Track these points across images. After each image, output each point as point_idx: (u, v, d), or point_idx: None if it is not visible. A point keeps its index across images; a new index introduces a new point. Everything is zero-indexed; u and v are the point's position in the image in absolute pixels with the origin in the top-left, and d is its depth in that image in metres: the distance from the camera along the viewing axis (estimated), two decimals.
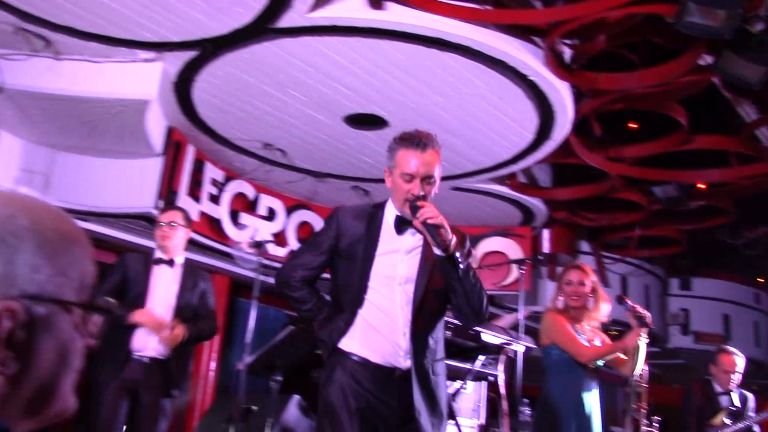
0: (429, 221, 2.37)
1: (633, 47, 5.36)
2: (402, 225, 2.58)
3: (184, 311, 4.38)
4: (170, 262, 4.42)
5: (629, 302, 4.15)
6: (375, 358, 2.47)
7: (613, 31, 4.79)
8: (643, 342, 3.95)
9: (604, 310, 4.20)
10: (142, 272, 4.34)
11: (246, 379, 7.41)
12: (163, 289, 4.35)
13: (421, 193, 2.48)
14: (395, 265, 2.55)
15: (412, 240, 2.59)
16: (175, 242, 4.43)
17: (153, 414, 4.21)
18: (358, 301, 2.51)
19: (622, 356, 4.19)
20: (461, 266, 2.44)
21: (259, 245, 4.58)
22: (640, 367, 4.05)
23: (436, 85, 5.28)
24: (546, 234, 8.83)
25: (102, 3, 4.44)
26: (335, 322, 2.56)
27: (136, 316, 4.14)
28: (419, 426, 2.41)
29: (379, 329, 2.49)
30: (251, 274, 4.77)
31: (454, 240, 2.42)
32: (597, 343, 4.16)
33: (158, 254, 4.43)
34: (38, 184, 6.04)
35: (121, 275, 4.32)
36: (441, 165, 2.64)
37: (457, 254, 2.43)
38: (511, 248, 8.44)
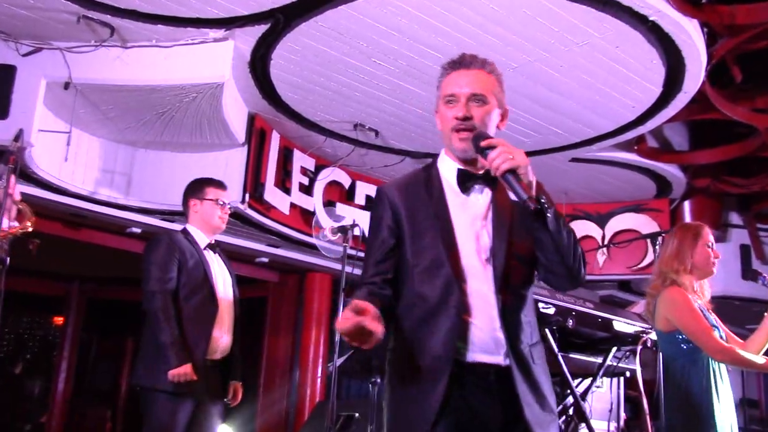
0: (505, 167, 2.05)
1: None
2: (467, 181, 2.26)
3: (237, 303, 4.24)
4: (215, 247, 4.24)
5: (765, 276, 3.76)
6: (479, 357, 2.17)
7: None
8: None
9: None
10: (194, 257, 4.05)
11: (348, 383, 7.38)
12: (222, 282, 4.17)
13: (467, 114, 2.19)
14: (477, 233, 2.23)
15: (483, 198, 2.28)
16: None
17: (214, 417, 4.09)
18: (449, 289, 2.16)
19: (735, 338, 3.79)
20: (549, 212, 2.12)
21: (344, 230, 4.41)
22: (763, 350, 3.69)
23: (539, 39, 4.95)
24: (687, 206, 8.24)
25: None
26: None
27: None
28: (529, 426, 2.12)
29: (477, 320, 2.17)
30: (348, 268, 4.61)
31: (535, 180, 2.10)
32: (713, 320, 3.74)
33: (201, 236, 4.20)
34: (119, 184, 6.16)
35: (173, 259, 3.98)
36: (502, 93, 2.31)
37: (542, 199, 2.11)
38: (647, 225, 7.94)
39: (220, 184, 4.36)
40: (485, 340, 2.16)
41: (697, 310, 3.62)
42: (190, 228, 4.23)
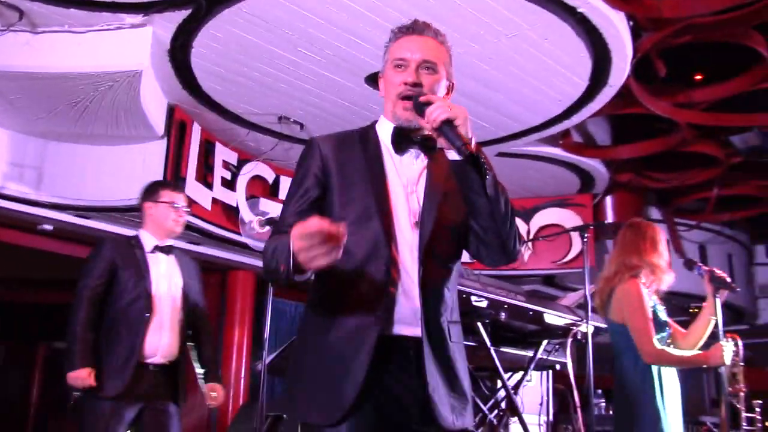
0: (441, 117, 1.94)
1: None
2: (402, 141, 2.16)
3: (188, 305, 4.09)
4: (168, 249, 4.09)
5: (701, 266, 3.76)
6: (399, 329, 2.04)
7: None
8: (718, 310, 3.62)
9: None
10: (135, 263, 3.95)
11: (273, 381, 7.20)
12: (167, 283, 4.02)
13: (417, 80, 2.09)
14: (407, 195, 2.13)
15: (417, 164, 2.18)
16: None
17: (162, 427, 3.92)
18: (377, 245, 2.03)
19: (680, 329, 3.84)
20: (488, 175, 2.01)
21: (272, 222, 4.25)
22: (702, 342, 3.72)
23: (468, 30, 4.90)
24: (609, 201, 8.39)
25: None
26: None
27: None
28: (434, 406, 1.99)
29: (400, 287, 2.04)
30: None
31: (474, 139, 1.98)
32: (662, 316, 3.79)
33: (151, 239, 4.05)
34: (30, 179, 5.84)
35: (108, 265, 3.91)
36: (450, 65, 2.21)
37: (481, 158, 2.01)
38: (571, 219, 8.03)
39: (175, 187, 4.31)
40: (405, 310, 2.04)
41: (647, 308, 3.64)
42: (141, 233, 4.10)
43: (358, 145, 2.17)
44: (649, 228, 3.89)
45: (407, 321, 2.04)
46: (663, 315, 3.74)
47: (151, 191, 4.18)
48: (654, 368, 3.64)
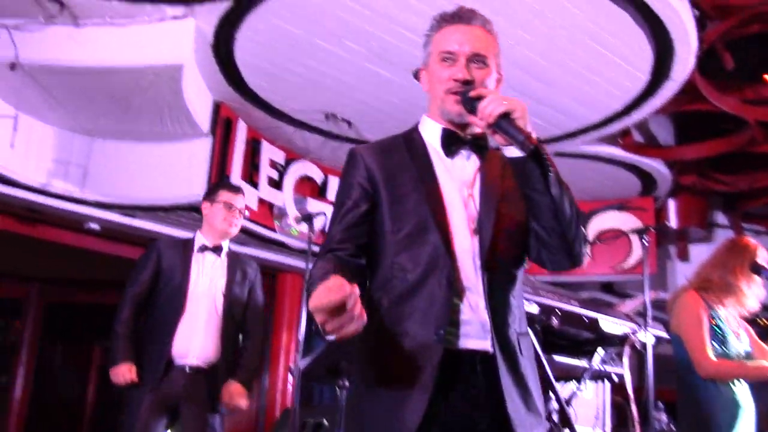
0: (498, 111, 1.75)
1: None
2: (452, 142, 2.00)
3: (233, 309, 3.98)
4: (217, 250, 4.02)
5: None
6: (467, 343, 1.88)
7: None
8: None
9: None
10: (179, 261, 3.94)
11: (321, 388, 7.02)
12: (207, 282, 3.95)
13: (468, 77, 1.90)
14: (464, 200, 1.96)
15: (470, 165, 2.01)
16: (237, 231, 4.13)
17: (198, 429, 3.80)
18: (436, 259, 1.88)
19: (764, 347, 3.57)
20: (551, 172, 1.83)
21: (309, 219, 4.07)
22: None
23: (521, 19, 4.65)
24: (672, 205, 8.00)
25: None
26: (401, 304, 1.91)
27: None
28: (513, 426, 1.81)
29: (467, 302, 1.89)
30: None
31: (533, 132, 1.79)
32: (742, 336, 3.50)
33: (202, 240, 4.04)
34: (75, 176, 5.77)
35: (155, 265, 3.93)
36: (499, 56, 2.00)
37: (544, 154, 1.83)
38: (631, 224, 7.65)
39: (234, 189, 4.22)
40: (473, 323, 1.87)
41: (702, 320, 3.44)
42: (197, 234, 4.10)
43: (403, 153, 2.02)
44: (749, 249, 3.57)
45: (475, 334, 1.88)
46: (732, 338, 3.47)
47: (211, 192, 4.20)
48: (720, 384, 3.38)
